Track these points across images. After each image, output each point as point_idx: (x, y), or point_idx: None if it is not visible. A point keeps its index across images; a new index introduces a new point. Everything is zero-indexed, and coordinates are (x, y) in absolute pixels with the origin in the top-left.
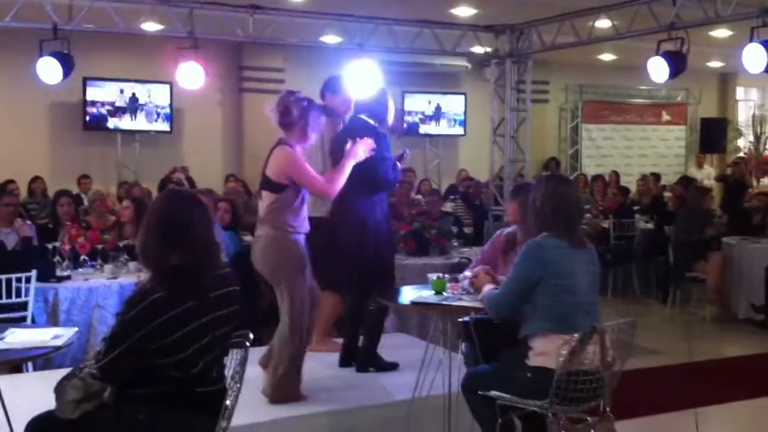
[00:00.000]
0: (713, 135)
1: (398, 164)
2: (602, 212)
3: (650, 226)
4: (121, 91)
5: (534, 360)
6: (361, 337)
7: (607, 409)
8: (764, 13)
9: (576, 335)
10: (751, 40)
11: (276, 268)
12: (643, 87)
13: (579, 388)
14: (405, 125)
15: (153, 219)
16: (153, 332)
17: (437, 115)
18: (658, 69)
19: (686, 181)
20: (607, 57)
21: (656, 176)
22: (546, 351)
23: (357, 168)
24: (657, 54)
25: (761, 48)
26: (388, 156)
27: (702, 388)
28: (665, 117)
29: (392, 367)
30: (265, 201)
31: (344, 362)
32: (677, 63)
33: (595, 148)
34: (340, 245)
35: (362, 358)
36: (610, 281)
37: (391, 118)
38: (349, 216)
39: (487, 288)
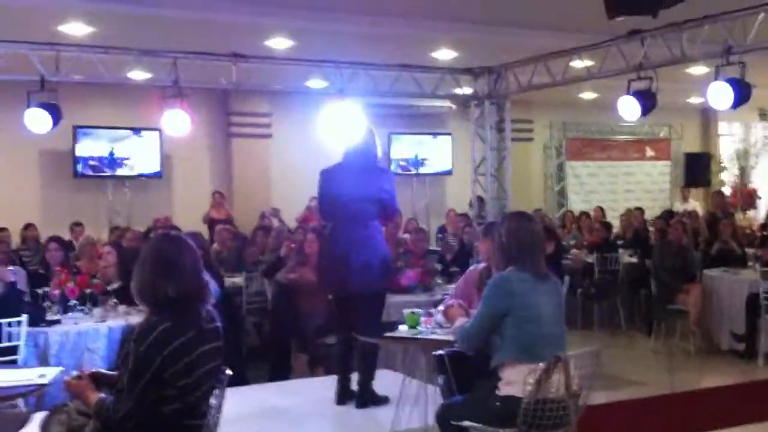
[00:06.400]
0: (697, 169)
1: None
2: (586, 247)
3: (634, 259)
4: (110, 139)
5: (503, 389)
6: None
7: None
8: (727, 53)
9: (541, 364)
10: (716, 79)
11: None
12: (626, 124)
13: (546, 415)
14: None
15: (147, 257)
16: (167, 360)
17: (416, 162)
18: (628, 107)
19: (668, 215)
20: (587, 95)
21: (640, 210)
22: (514, 380)
23: (371, 200)
24: (627, 93)
25: (727, 85)
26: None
27: (683, 419)
28: (649, 153)
29: (385, 400)
30: None
31: (341, 400)
32: (647, 101)
33: (580, 184)
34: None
35: (361, 394)
36: (595, 315)
37: (380, 153)
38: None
39: (459, 321)
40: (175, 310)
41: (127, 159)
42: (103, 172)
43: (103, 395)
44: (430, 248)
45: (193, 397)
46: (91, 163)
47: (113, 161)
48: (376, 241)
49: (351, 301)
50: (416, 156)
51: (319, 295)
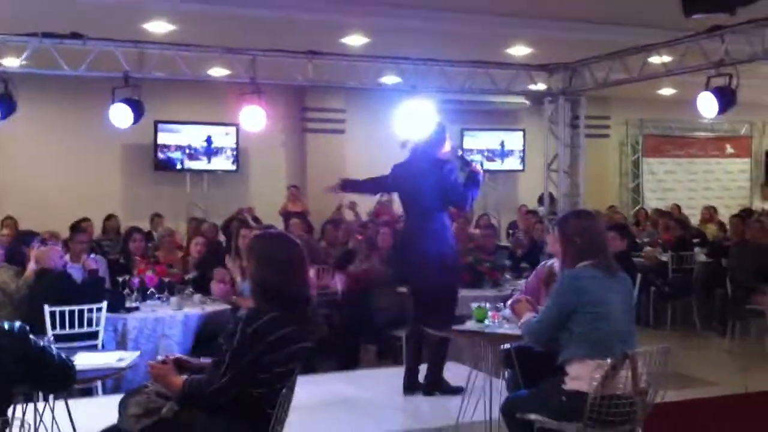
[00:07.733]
0: None
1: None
2: (661, 245)
3: (709, 259)
4: (189, 134)
5: (569, 384)
6: (427, 363)
7: None
8: None
9: (609, 360)
10: None
11: None
12: (705, 120)
13: (612, 411)
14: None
15: (265, 256)
16: (270, 345)
17: (503, 152)
18: (707, 104)
19: (745, 213)
20: (666, 91)
21: (714, 209)
22: (580, 375)
23: (433, 192)
24: (706, 89)
25: None
26: (456, 179)
27: (756, 419)
28: (729, 150)
29: (457, 391)
30: None
31: (408, 390)
32: (726, 98)
33: (656, 182)
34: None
35: (429, 382)
36: (669, 314)
37: (447, 147)
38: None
39: (527, 316)
40: (283, 305)
41: (204, 153)
42: (182, 165)
43: (187, 377)
44: (501, 244)
45: (281, 385)
46: (171, 155)
47: (192, 155)
48: (437, 233)
49: (419, 294)
50: (503, 144)
51: (390, 287)
